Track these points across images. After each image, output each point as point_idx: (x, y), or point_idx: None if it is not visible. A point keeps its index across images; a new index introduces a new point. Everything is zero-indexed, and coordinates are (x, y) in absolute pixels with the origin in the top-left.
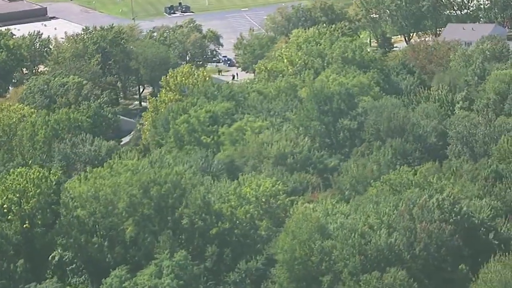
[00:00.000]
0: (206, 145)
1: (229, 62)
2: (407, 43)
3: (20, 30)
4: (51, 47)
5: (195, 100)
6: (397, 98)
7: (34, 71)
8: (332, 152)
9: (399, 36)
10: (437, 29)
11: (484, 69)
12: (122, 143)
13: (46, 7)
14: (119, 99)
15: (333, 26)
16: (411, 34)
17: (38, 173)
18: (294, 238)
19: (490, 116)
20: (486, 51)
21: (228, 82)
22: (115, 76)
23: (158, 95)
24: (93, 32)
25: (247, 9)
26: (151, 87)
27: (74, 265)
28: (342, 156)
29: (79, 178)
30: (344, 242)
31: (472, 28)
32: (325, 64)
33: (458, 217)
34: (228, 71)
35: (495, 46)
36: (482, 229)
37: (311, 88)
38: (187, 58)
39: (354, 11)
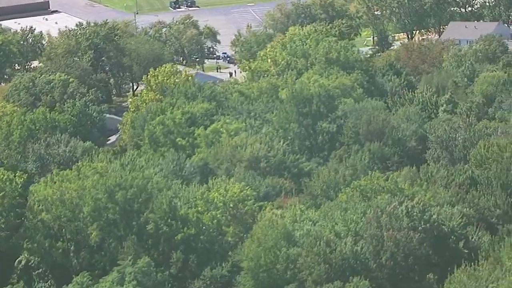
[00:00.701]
0: (182, 147)
1: (228, 59)
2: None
3: (20, 24)
4: (44, 42)
5: (174, 100)
6: (381, 100)
7: (26, 67)
8: (310, 155)
9: (402, 33)
10: (441, 27)
11: (473, 71)
12: (109, 142)
13: (48, 1)
14: (112, 96)
15: (331, 24)
16: (414, 32)
17: (2, 176)
18: (260, 245)
19: (470, 120)
20: (478, 52)
21: (223, 80)
22: (108, 73)
23: (140, 94)
24: (87, 28)
25: (253, 4)
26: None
27: (40, 270)
28: (321, 159)
29: (46, 181)
30: (309, 250)
31: (475, 27)
32: (309, 64)
33: (428, 225)
34: (227, 68)
35: (488, 47)
36: (452, 237)
37: (291, 89)
38: (184, 54)
39: (355, 8)
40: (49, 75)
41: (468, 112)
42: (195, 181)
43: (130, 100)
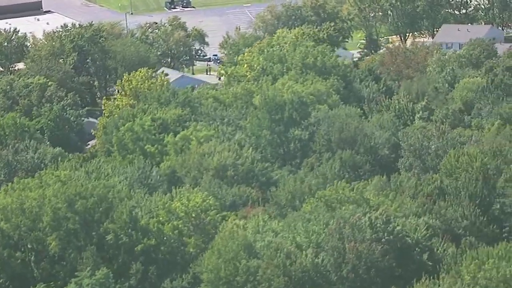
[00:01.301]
0: (151, 155)
1: (218, 61)
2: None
3: (12, 25)
4: (28, 44)
5: (146, 106)
6: (357, 107)
7: (10, 69)
8: (283, 163)
9: (395, 36)
10: (434, 30)
11: (454, 76)
12: (88, 146)
13: (41, 1)
14: (97, 99)
15: (319, 26)
16: (407, 34)
17: None
18: (220, 256)
19: (443, 128)
20: (462, 57)
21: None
22: (93, 75)
23: (114, 99)
24: (71, 29)
25: (249, 4)
26: None
27: (1, 280)
28: (293, 167)
29: (6, 189)
30: (269, 262)
31: (467, 30)
32: (285, 70)
33: (391, 236)
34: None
35: (472, 52)
36: (416, 249)
37: (263, 96)
38: (170, 57)
39: (347, 10)
40: (28, 78)
41: (444, 120)
42: (162, 190)
43: (105, 104)
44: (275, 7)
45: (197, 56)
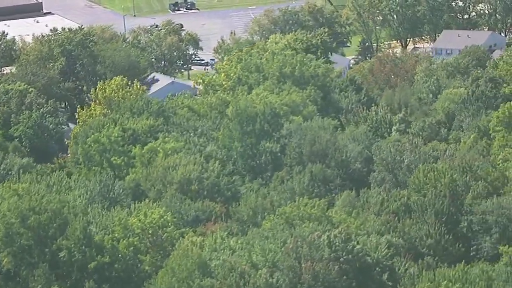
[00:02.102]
0: (118, 167)
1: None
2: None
3: (10, 26)
4: (16, 48)
5: (117, 116)
6: (334, 118)
7: None
8: (254, 176)
9: (395, 41)
10: (436, 35)
11: (439, 86)
12: (68, 154)
13: (41, 2)
14: (85, 105)
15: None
16: (408, 40)
17: None
18: (174, 275)
19: (416, 142)
20: (449, 66)
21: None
22: (82, 81)
23: (89, 108)
24: (60, 33)
25: (254, 7)
26: None
27: None
28: (264, 181)
29: None
30: (222, 282)
31: (468, 36)
32: (261, 79)
33: (350, 256)
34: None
35: (461, 60)
36: (376, 269)
37: (235, 107)
38: (164, 62)
39: (346, 14)
40: (8, 84)
41: (420, 133)
42: (126, 204)
43: (79, 113)
44: (272, 11)
45: (193, 61)
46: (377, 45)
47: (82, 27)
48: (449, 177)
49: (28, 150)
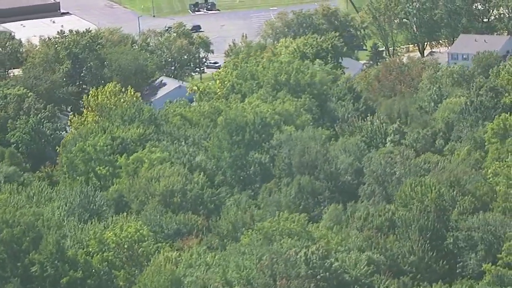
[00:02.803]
0: (104, 177)
1: None
2: (421, 54)
3: (26, 27)
4: (22, 50)
5: (107, 124)
6: (330, 128)
7: (5, 76)
8: (243, 187)
9: (412, 45)
10: (454, 39)
11: (441, 95)
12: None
13: (59, 2)
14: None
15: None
16: (426, 44)
17: None
18: None
19: (407, 154)
20: (454, 73)
21: None
22: (88, 84)
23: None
24: (67, 36)
25: (275, 8)
26: None
27: None
28: (252, 192)
29: None
30: None
31: (485, 40)
32: (255, 87)
33: (327, 273)
34: None
35: (466, 68)
36: (355, 286)
37: (224, 116)
38: (175, 65)
39: (362, 17)
40: (8, 89)
41: (414, 144)
42: (108, 216)
43: (71, 120)
44: (286, 14)
45: (207, 64)
46: (393, 49)
47: (90, 29)
48: (436, 192)
49: (25, 156)
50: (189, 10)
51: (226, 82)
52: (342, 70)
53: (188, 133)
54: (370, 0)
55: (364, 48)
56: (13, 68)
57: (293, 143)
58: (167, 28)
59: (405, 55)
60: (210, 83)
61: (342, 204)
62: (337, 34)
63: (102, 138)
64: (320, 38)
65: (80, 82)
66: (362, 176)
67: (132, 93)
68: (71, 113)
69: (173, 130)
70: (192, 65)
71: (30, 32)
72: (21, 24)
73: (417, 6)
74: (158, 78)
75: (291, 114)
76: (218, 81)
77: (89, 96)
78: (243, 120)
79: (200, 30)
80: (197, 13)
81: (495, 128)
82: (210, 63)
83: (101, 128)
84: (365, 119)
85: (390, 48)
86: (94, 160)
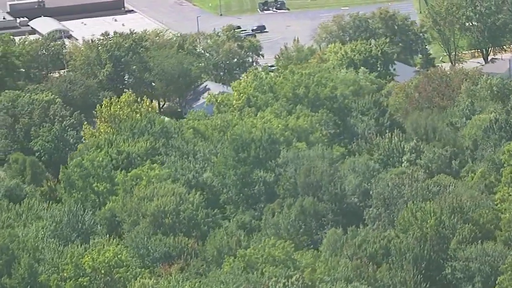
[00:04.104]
0: (102, 194)
1: None
2: (485, 60)
3: (87, 25)
4: (65, 52)
5: (114, 137)
6: (347, 145)
7: (46, 77)
8: (248, 206)
9: (475, 51)
10: None
11: (473, 110)
12: None
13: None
14: None
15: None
16: (489, 50)
17: None
18: None
19: (416, 176)
20: (494, 87)
21: None
22: (129, 88)
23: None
24: (112, 37)
25: (347, 7)
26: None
27: None
28: (256, 212)
29: None
30: None
31: None
32: (271, 100)
33: None
34: None
35: (506, 81)
36: None
37: (230, 131)
38: (224, 70)
39: (422, 22)
40: (36, 94)
41: (429, 164)
42: (101, 236)
43: (85, 130)
44: (343, 17)
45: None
46: (455, 54)
47: (134, 31)
48: (436, 219)
49: (47, 165)
50: (257, 9)
51: (242, 95)
52: (392, 78)
53: (198, 148)
54: (431, 3)
55: (429, 53)
56: (56, 70)
57: (300, 162)
58: (237, 27)
59: (467, 61)
60: (229, 95)
61: (343, 228)
62: (395, 38)
63: (102, 153)
64: (377, 43)
65: (122, 87)
66: (370, 198)
67: (148, 103)
68: (84, 124)
69: (181, 145)
70: (241, 70)
71: (90, 30)
72: (82, 22)
73: (479, 10)
74: (202, 83)
75: (305, 130)
76: (235, 93)
77: (102, 106)
78: (249, 137)
79: (265, 30)
80: (265, 12)
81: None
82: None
83: (108, 141)
84: (383, 136)
85: (452, 54)
86: (92, 176)
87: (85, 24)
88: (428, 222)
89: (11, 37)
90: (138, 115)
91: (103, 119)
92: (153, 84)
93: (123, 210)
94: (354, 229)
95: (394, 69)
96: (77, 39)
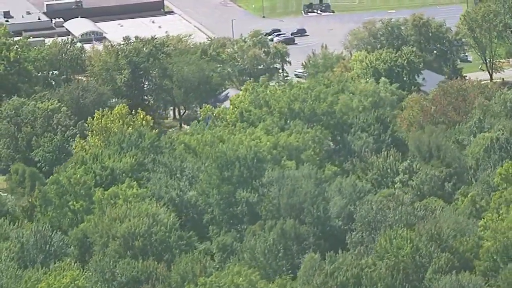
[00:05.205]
0: (79, 212)
1: None
2: None
3: (123, 26)
4: (84, 57)
5: (99, 151)
6: (340, 164)
7: (65, 83)
8: (230, 227)
9: None
10: None
11: (481, 127)
12: None
13: (162, 1)
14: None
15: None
16: None
17: None
18: None
19: (402, 199)
20: (508, 102)
21: None
22: (148, 95)
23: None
24: (133, 43)
25: (393, 11)
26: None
27: None
28: (239, 234)
29: None
30: None
31: None
32: (264, 115)
33: None
34: None
35: None
36: None
37: (214, 149)
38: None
39: (457, 29)
40: (42, 102)
41: (421, 186)
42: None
43: (76, 144)
44: (374, 23)
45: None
46: (491, 62)
47: (155, 36)
48: (412, 246)
49: (47, 176)
50: (302, 11)
51: (235, 109)
52: (418, 88)
53: (185, 165)
54: (467, 10)
55: (469, 60)
56: (77, 74)
57: (285, 182)
58: (272, 32)
59: (505, 69)
60: (226, 108)
61: (324, 253)
62: (428, 46)
63: (80, 169)
64: (403, 52)
65: (140, 93)
66: (354, 222)
67: (142, 116)
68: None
69: (168, 161)
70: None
71: (125, 32)
72: (119, 24)
73: None
74: (224, 91)
75: (296, 148)
76: (231, 107)
77: (93, 118)
78: (234, 154)
79: (305, 34)
80: (310, 14)
81: (504, 173)
82: (298, 72)
83: (93, 156)
84: (378, 155)
85: (489, 61)
86: (69, 193)
87: (121, 26)
88: (404, 250)
89: (26, 41)
90: (130, 128)
91: (94, 132)
92: (172, 90)
93: (94, 231)
94: (333, 255)
95: (424, 79)
96: (110, 41)
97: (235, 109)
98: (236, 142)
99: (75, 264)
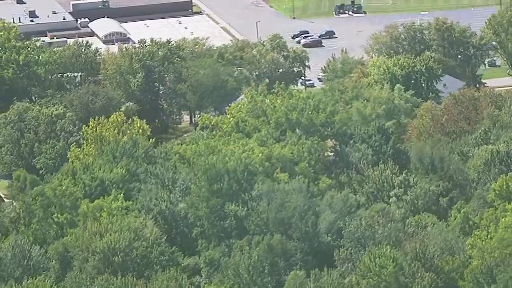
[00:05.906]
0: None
1: None
2: None
3: (149, 27)
4: (98, 59)
5: (91, 161)
6: (334, 177)
7: (78, 86)
8: (219, 241)
9: None
10: None
11: (487, 139)
12: None
13: (191, 1)
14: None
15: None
16: None
17: None
18: None
19: (392, 215)
20: None
21: None
22: (162, 99)
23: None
24: (148, 46)
25: (426, 12)
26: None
27: None
28: (227, 248)
29: None
30: None
31: None
32: (260, 125)
33: None
34: None
35: None
36: None
37: (204, 162)
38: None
39: (482, 33)
40: (47, 108)
41: (415, 201)
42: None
43: (72, 152)
44: (396, 27)
45: (301, 81)
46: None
47: (171, 39)
48: (395, 265)
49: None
50: (333, 12)
51: (231, 119)
52: (436, 94)
53: (177, 176)
54: (493, 14)
55: (497, 65)
56: (91, 77)
57: (275, 196)
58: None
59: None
60: (224, 117)
61: (311, 270)
62: (452, 50)
63: (67, 180)
64: (421, 58)
65: (154, 97)
66: (343, 238)
67: (139, 124)
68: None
69: (161, 171)
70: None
71: (150, 33)
72: (145, 24)
73: None
74: (239, 96)
75: (290, 160)
76: (229, 116)
77: (89, 127)
78: (224, 167)
79: (333, 36)
80: (341, 15)
81: (498, 189)
82: (305, 80)
83: (84, 166)
84: (374, 168)
85: None
86: (54, 205)
87: (147, 26)
88: (387, 269)
89: (37, 43)
90: (125, 137)
91: (88, 140)
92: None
93: (75, 245)
94: (318, 272)
95: (445, 85)
96: (134, 42)
97: (232, 118)
98: (228, 154)
99: (52, 280)
